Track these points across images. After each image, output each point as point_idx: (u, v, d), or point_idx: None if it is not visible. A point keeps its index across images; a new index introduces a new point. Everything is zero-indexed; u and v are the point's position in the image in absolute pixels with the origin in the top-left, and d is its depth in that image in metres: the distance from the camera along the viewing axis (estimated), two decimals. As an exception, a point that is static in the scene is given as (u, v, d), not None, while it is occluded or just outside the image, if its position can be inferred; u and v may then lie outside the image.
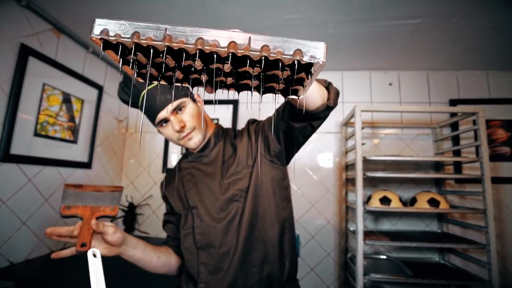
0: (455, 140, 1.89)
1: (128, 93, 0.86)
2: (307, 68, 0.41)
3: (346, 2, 1.34)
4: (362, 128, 1.60)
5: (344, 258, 1.88)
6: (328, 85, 0.71)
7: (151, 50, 0.40)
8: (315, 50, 0.39)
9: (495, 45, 1.66)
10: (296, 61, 0.39)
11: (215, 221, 0.84)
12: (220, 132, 0.97)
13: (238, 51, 0.40)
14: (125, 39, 0.38)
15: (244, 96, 1.70)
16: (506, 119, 1.87)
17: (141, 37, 0.38)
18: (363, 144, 1.59)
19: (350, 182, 1.95)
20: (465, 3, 1.31)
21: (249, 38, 0.40)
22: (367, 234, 1.64)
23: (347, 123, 1.89)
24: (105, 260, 0.67)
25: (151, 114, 0.84)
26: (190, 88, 0.45)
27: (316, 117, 0.70)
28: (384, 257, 1.79)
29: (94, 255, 0.63)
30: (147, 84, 0.44)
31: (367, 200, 1.70)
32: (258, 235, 0.83)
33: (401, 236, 1.65)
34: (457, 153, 1.86)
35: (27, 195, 1.43)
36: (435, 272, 1.58)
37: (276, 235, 0.85)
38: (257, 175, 0.86)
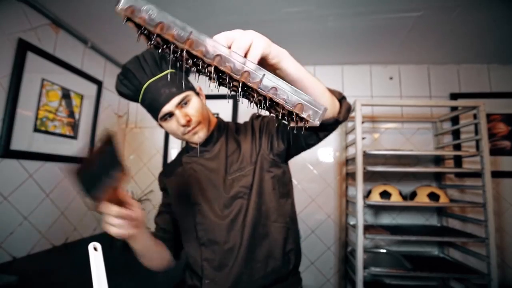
0: (456, 134, 1.89)
1: (128, 86, 0.82)
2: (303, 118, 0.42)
3: (347, -5, 1.33)
4: (362, 122, 1.59)
5: (344, 252, 1.90)
6: (341, 99, 0.71)
7: (171, 46, 0.40)
8: (315, 112, 0.41)
9: (497, 39, 1.64)
10: (294, 112, 0.41)
11: (219, 218, 0.83)
12: (222, 126, 0.96)
13: (249, 83, 0.41)
14: (149, 26, 0.38)
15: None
16: (507, 113, 1.86)
17: (165, 30, 0.38)
18: (363, 138, 1.59)
19: (350, 176, 1.96)
20: (467, -4, 1.30)
21: (263, 76, 0.41)
22: (367, 228, 1.64)
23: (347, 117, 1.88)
24: (106, 254, 0.66)
25: (154, 108, 0.80)
26: (195, 75, 0.45)
27: (323, 128, 0.69)
28: (384, 251, 1.81)
29: (95, 249, 0.63)
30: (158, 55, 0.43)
31: (367, 194, 1.71)
32: (262, 231, 0.83)
33: (401, 230, 1.65)
34: (457, 147, 1.86)
35: (28, 190, 1.44)
36: (435, 265, 1.59)
37: (280, 230, 0.85)
38: (260, 172, 0.85)
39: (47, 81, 1.52)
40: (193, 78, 0.84)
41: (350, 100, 2.07)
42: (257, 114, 0.98)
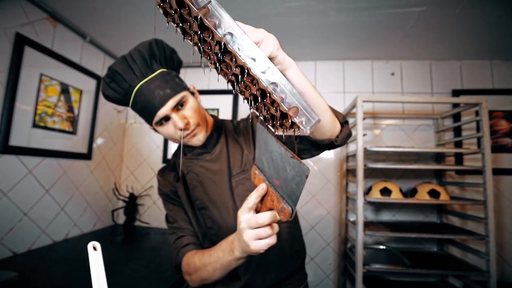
0: (457, 131, 1.88)
1: (116, 89, 0.75)
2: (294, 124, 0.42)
3: (349, -10, 1.30)
4: (364, 119, 1.58)
5: (344, 248, 1.90)
6: (344, 122, 0.69)
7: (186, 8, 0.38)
8: (308, 119, 0.40)
9: (500, 35, 1.62)
10: (288, 114, 0.40)
11: (227, 223, 0.81)
12: (219, 126, 0.92)
13: (252, 71, 0.39)
14: None
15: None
16: (509, 110, 1.85)
17: None
18: (364, 135, 1.58)
19: (350, 172, 1.95)
20: (472, -9, 1.27)
21: (268, 68, 0.40)
22: (367, 225, 1.65)
23: (348, 113, 1.87)
24: (106, 250, 0.65)
25: (147, 112, 0.74)
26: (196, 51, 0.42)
27: (317, 147, 0.68)
28: (384, 247, 1.81)
29: (95, 248, 0.62)
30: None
31: (368, 191, 1.70)
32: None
33: (400, 227, 1.65)
34: (458, 144, 1.85)
35: (28, 186, 1.43)
36: (434, 262, 1.59)
37: (287, 231, 0.86)
38: None
39: (46, 76, 1.50)
40: (182, 77, 0.82)
41: (351, 96, 2.08)
42: (256, 114, 0.96)
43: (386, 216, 1.91)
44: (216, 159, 0.85)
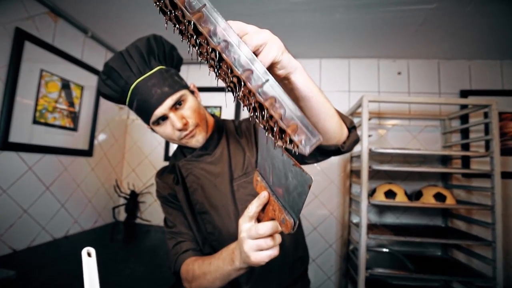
0: (464, 133, 1.83)
1: (112, 87, 0.72)
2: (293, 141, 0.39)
3: (357, -14, 1.26)
4: (369, 119, 1.54)
5: (346, 250, 1.88)
6: (351, 128, 0.66)
7: (180, 11, 0.35)
8: (308, 138, 0.36)
9: (511, 34, 1.57)
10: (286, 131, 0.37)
11: (229, 228, 0.78)
12: (221, 126, 0.88)
13: (248, 84, 0.36)
14: None
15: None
16: (519, 112, 1.80)
17: None
18: (369, 136, 1.54)
19: (354, 173, 1.92)
20: (484, -12, 1.23)
21: (266, 81, 0.37)
22: (371, 227, 1.62)
23: (353, 113, 1.83)
24: (106, 247, 0.62)
25: (144, 111, 0.71)
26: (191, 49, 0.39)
27: (322, 152, 0.65)
28: (387, 250, 1.78)
29: (89, 254, 0.60)
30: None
31: (372, 193, 1.67)
32: None
33: (404, 230, 1.62)
34: (465, 146, 1.80)
35: (28, 183, 1.42)
36: (438, 266, 1.56)
37: (291, 237, 0.83)
38: None
39: (46, 71, 1.48)
40: (184, 74, 0.78)
41: (356, 95, 2.04)
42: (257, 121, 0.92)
43: (390, 219, 1.88)
44: (217, 161, 0.82)
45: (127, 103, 0.74)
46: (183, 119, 0.72)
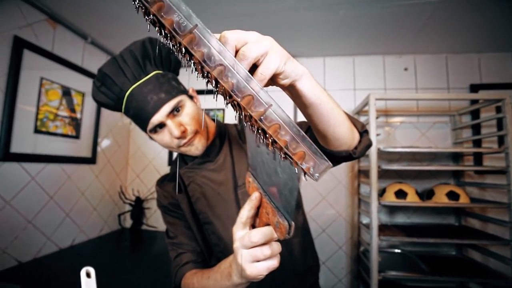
0: (476, 128, 1.77)
1: (107, 94, 0.69)
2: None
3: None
4: (377, 117, 1.50)
5: (357, 251, 1.84)
6: (363, 132, 0.62)
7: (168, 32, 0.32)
8: (317, 165, 0.34)
9: (524, 25, 1.52)
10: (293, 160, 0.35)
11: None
12: (223, 131, 0.84)
13: (249, 110, 0.33)
14: (144, 1, 0.30)
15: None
16: (532, 105, 1.74)
17: (163, 12, 0.30)
18: (377, 135, 1.50)
19: (362, 173, 1.88)
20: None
21: (270, 106, 0.33)
22: (382, 228, 1.57)
23: (360, 111, 1.79)
24: (113, 254, 0.58)
25: (140, 119, 0.68)
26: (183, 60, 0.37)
27: (333, 159, 0.61)
28: (399, 251, 1.73)
29: (88, 275, 0.57)
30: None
31: (382, 193, 1.62)
32: (285, 251, 0.75)
33: (416, 230, 1.58)
34: (477, 142, 1.75)
35: (31, 193, 1.40)
36: (453, 267, 1.51)
37: (300, 245, 0.79)
38: None
39: (46, 79, 1.46)
40: (184, 78, 0.74)
41: (362, 93, 1.99)
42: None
43: (401, 218, 1.83)
44: (220, 168, 0.78)
45: (123, 110, 0.70)
46: (181, 127, 0.68)
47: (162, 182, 0.88)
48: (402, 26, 1.59)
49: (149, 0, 0.30)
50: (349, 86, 1.99)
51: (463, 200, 1.45)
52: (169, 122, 0.67)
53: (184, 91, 0.73)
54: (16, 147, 1.31)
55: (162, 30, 0.33)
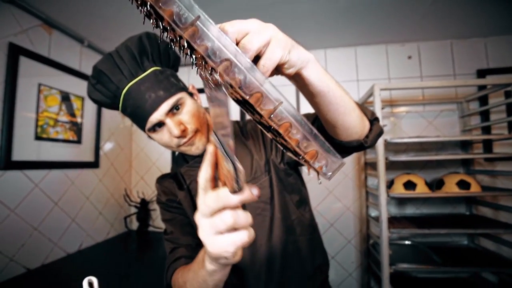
0: (484, 115, 1.73)
1: (103, 92, 0.67)
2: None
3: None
4: (382, 108, 1.46)
5: (366, 245, 1.81)
6: (373, 120, 0.59)
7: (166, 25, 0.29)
8: (330, 164, 0.33)
9: (532, 5, 1.46)
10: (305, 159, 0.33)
11: None
12: None
13: (258, 108, 0.31)
14: None
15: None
16: (542, 88, 1.68)
17: (161, 3, 0.27)
18: (384, 126, 1.46)
19: (369, 166, 1.84)
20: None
21: (280, 103, 0.31)
22: (391, 221, 1.54)
23: (364, 103, 1.75)
24: (120, 258, 0.56)
25: (138, 118, 0.65)
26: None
27: (344, 150, 0.58)
28: (409, 242, 1.70)
29: (90, 285, 0.55)
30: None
31: (390, 185, 1.59)
32: (292, 250, 0.74)
33: (427, 221, 1.55)
34: (486, 129, 1.70)
35: (36, 200, 1.39)
36: (466, 257, 1.48)
37: (308, 244, 0.77)
38: (277, 182, 0.73)
39: (44, 85, 1.44)
40: (185, 77, 0.72)
41: (365, 84, 1.94)
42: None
43: (410, 210, 1.80)
44: None
45: (120, 109, 0.68)
46: (181, 125, 0.65)
47: (162, 179, 0.86)
48: (404, 13, 1.54)
49: None
50: (352, 78, 1.95)
51: (474, 188, 1.42)
52: (168, 121, 0.65)
53: (184, 88, 0.70)
54: (18, 155, 1.30)
55: (160, 23, 0.30)
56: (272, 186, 0.73)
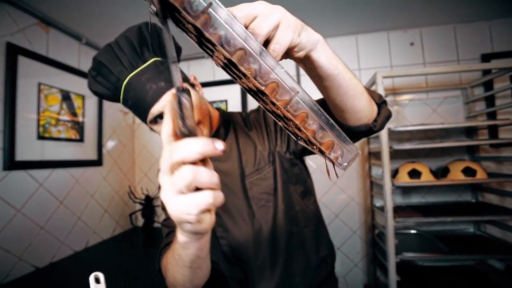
0: (489, 100, 1.70)
1: (103, 84, 0.66)
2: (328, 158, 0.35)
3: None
4: (385, 96, 1.44)
5: (372, 235, 1.81)
6: (381, 103, 0.58)
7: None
8: (345, 155, 0.33)
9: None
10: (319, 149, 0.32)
11: (243, 231, 0.72)
12: (227, 120, 0.80)
13: (274, 99, 0.29)
14: None
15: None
16: (548, 71, 1.65)
17: None
18: (387, 115, 1.44)
19: (373, 155, 1.83)
20: None
21: (297, 93, 0.30)
22: (396, 210, 1.53)
23: (366, 92, 1.72)
24: (127, 254, 0.56)
25: (139, 109, 0.64)
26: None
27: (353, 136, 0.56)
28: (415, 231, 1.70)
29: (97, 280, 0.55)
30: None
31: (394, 174, 1.58)
32: (296, 242, 0.73)
33: (432, 210, 1.54)
34: (491, 114, 1.67)
35: (41, 200, 1.40)
36: (472, 245, 1.47)
37: (312, 235, 0.76)
38: (281, 173, 0.72)
39: (44, 84, 1.44)
40: (185, 71, 0.70)
41: (368, 72, 1.92)
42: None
43: (415, 199, 1.79)
44: (226, 157, 0.75)
45: (121, 100, 0.67)
46: None
47: None
48: (406, -2, 1.50)
49: None
50: (354, 66, 1.92)
51: (480, 175, 1.40)
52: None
53: (185, 79, 0.69)
54: (21, 155, 1.31)
55: (165, 13, 0.29)
56: (276, 177, 0.72)
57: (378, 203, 1.78)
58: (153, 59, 0.65)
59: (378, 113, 0.56)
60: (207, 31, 0.27)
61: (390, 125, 1.48)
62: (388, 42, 1.89)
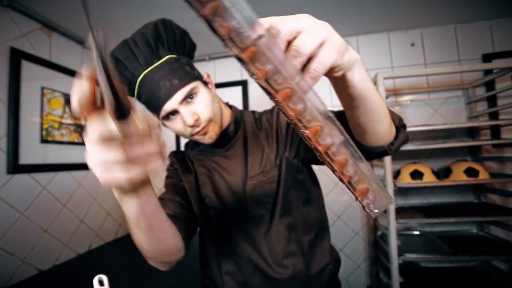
0: (491, 100, 1.69)
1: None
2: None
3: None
4: (386, 97, 1.44)
5: (374, 236, 1.80)
6: (400, 126, 0.56)
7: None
8: (377, 201, 0.32)
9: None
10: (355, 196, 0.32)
11: (239, 228, 0.73)
12: (238, 119, 0.80)
13: (315, 144, 0.29)
14: None
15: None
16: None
17: (220, 18, 0.25)
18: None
19: (374, 157, 1.82)
20: None
21: (342, 141, 0.30)
22: (398, 211, 1.53)
23: (367, 93, 1.72)
24: (129, 255, 0.56)
25: (153, 106, 0.66)
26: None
27: (368, 155, 0.57)
28: (417, 232, 1.69)
29: (101, 283, 0.55)
30: None
31: (396, 175, 1.57)
32: (295, 248, 0.72)
33: (435, 211, 1.53)
34: (493, 114, 1.67)
35: (44, 203, 1.41)
36: (475, 245, 1.47)
37: (312, 244, 0.75)
38: (286, 179, 0.72)
39: (47, 88, 1.45)
40: (199, 66, 0.71)
41: (369, 73, 1.90)
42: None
43: (417, 200, 1.78)
44: (232, 156, 0.76)
45: (135, 95, 0.68)
46: (195, 115, 0.65)
47: (176, 153, 0.86)
48: (406, -1, 1.50)
49: None
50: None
51: (483, 176, 1.39)
52: (182, 110, 0.64)
53: (199, 77, 0.69)
54: (25, 158, 1.32)
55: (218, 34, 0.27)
56: (279, 182, 0.72)
57: (380, 204, 1.78)
58: (167, 56, 0.66)
59: (396, 136, 0.55)
60: (255, 64, 0.26)
61: (391, 126, 1.48)
62: (389, 43, 1.89)
